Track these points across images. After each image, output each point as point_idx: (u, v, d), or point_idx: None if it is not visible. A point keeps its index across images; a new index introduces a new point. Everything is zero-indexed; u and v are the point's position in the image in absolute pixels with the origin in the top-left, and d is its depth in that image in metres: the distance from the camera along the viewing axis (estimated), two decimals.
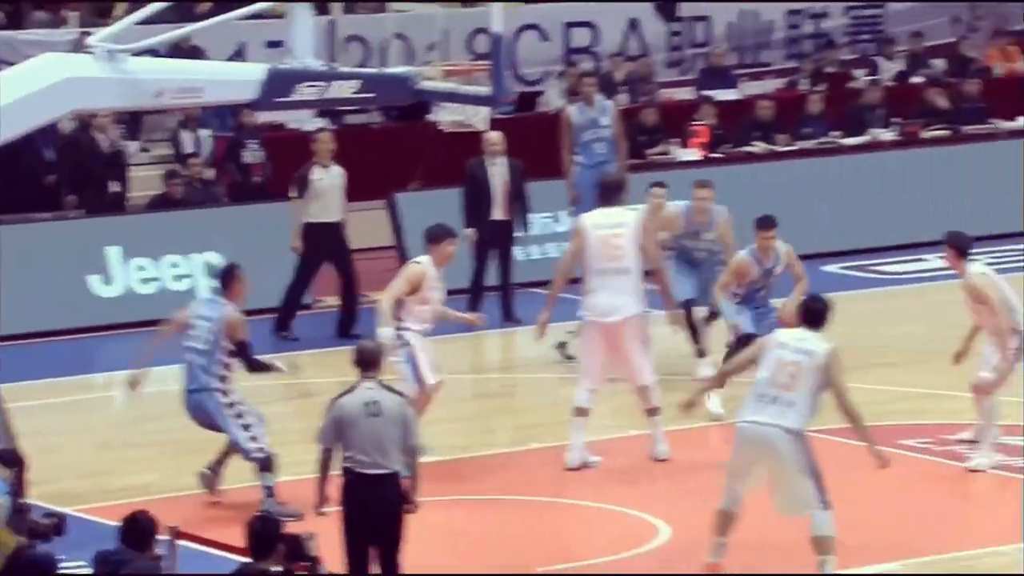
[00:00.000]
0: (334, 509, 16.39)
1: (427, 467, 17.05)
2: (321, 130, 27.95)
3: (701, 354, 24.73)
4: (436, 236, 21.49)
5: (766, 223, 23.71)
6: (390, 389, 16.63)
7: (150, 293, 28.18)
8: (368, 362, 16.55)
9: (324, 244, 25.74)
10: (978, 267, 21.40)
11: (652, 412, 21.47)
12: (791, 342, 18.21)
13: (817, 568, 17.57)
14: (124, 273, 27.91)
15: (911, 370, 24.42)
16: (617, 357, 21.55)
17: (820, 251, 29.83)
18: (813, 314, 18.03)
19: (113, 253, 27.92)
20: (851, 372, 18.48)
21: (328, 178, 26.60)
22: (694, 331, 24.82)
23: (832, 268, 29.95)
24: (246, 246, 27.66)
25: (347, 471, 16.20)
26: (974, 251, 21.64)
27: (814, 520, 17.61)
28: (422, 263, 21.29)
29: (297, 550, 14.91)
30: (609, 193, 22.52)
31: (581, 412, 21.32)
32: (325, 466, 16.44)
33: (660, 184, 24.81)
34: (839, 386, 17.72)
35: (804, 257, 27.31)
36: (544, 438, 22.34)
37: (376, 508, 16.10)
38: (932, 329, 23.01)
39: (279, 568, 14.40)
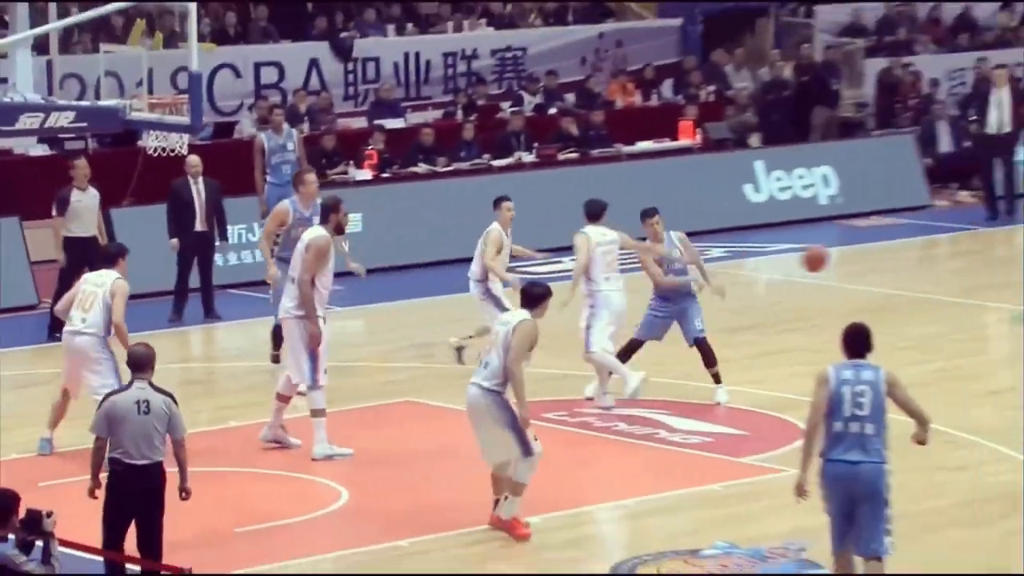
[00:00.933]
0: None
1: None
2: (78, 156, 27.47)
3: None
4: None
5: (649, 212, 23.15)
6: (158, 389, 16.09)
7: None
8: (140, 365, 16.05)
9: (84, 256, 25.29)
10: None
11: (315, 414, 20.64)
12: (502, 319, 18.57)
13: (500, 502, 17.70)
14: None
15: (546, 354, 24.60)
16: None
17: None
18: (530, 297, 18.03)
19: None
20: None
21: (85, 199, 26.23)
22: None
23: None
24: None
25: (115, 461, 15.70)
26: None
27: (516, 468, 17.66)
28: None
29: (34, 524, 14.73)
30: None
31: (281, 398, 21.05)
32: (99, 453, 15.96)
33: (506, 198, 24.04)
34: (515, 352, 17.60)
35: (444, 263, 27.83)
36: (240, 418, 22.23)
37: (143, 494, 15.63)
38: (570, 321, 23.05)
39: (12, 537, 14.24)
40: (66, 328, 20.69)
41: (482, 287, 23.30)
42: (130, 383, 16.03)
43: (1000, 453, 20.50)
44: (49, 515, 14.80)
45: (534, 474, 17.72)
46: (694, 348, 22.55)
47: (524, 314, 17.92)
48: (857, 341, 15.58)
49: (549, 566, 17.50)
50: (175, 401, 16.06)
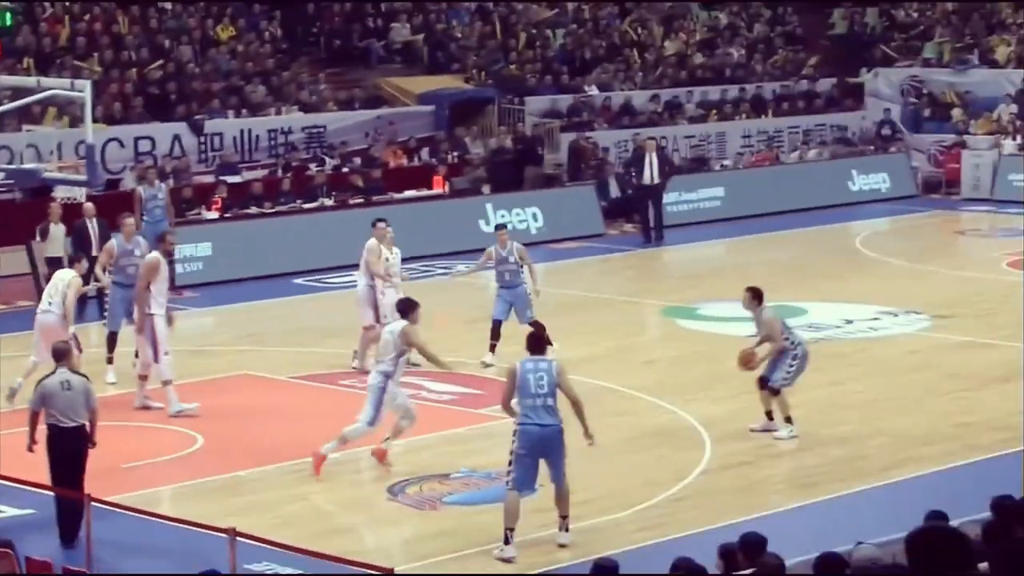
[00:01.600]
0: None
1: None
2: (51, 201, 26.97)
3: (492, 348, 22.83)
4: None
5: (499, 227, 24.33)
6: (76, 372, 16.05)
7: None
8: (60, 357, 15.99)
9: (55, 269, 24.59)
10: None
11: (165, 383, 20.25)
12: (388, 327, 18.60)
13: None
14: None
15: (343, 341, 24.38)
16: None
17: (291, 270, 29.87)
18: (403, 309, 17.98)
19: None
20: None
21: (56, 231, 26.14)
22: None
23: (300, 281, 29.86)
24: None
25: (51, 426, 15.60)
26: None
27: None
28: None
29: None
30: None
31: (141, 377, 20.63)
32: (34, 421, 15.82)
33: (383, 219, 23.21)
34: (418, 346, 17.78)
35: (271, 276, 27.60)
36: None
37: (71, 447, 15.61)
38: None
39: None
40: (38, 309, 20.72)
41: (368, 290, 22.53)
42: (55, 370, 15.95)
43: (654, 403, 20.81)
44: None
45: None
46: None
47: (403, 323, 17.78)
48: (535, 343, 15.72)
49: (342, 486, 17.57)
50: (89, 380, 16.04)
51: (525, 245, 24.16)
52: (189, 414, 20.19)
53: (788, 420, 19.13)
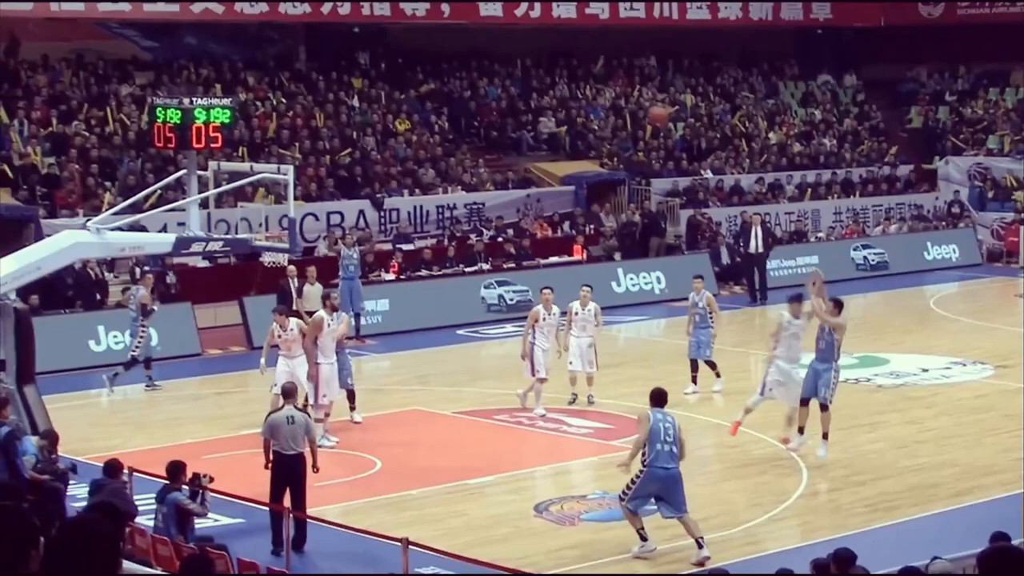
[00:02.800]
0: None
1: None
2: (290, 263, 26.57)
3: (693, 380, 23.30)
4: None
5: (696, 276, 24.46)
6: (300, 409, 16.23)
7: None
8: (287, 395, 16.15)
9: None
10: None
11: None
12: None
13: None
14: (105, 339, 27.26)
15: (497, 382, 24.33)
16: None
17: (454, 323, 29.87)
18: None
19: (100, 329, 27.29)
20: None
21: (311, 291, 25.74)
22: None
23: None
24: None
25: (276, 453, 15.75)
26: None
27: None
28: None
29: (195, 481, 14.75)
30: None
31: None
32: (267, 446, 15.80)
33: (548, 287, 22.85)
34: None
35: (438, 328, 27.34)
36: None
37: (294, 471, 15.73)
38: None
39: None
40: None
41: (530, 346, 21.97)
42: (282, 406, 16.10)
43: (759, 437, 20.53)
44: (206, 476, 14.84)
45: None
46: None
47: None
48: (660, 398, 15.59)
49: (496, 504, 17.56)
50: (309, 416, 16.17)
51: (649, 304, 24.07)
52: (328, 447, 19.71)
53: (825, 436, 18.86)
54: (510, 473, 18.40)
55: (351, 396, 21.35)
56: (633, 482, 15.20)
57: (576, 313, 22.69)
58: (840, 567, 10.37)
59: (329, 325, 20.34)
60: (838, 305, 19.18)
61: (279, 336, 20.84)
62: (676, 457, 15.16)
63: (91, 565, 4.63)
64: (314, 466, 15.94)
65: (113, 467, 14.79)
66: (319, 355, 20.17)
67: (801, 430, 18.96)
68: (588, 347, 22.52)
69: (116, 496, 13.73)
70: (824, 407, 18.87)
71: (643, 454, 15.18)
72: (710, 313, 23.35)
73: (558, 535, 16.31)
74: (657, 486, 15.15)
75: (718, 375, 23.34)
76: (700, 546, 15.15)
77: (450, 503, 17.55)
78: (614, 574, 14.73)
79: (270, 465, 15.83)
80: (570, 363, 22.42)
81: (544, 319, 22.24)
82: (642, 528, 15.24)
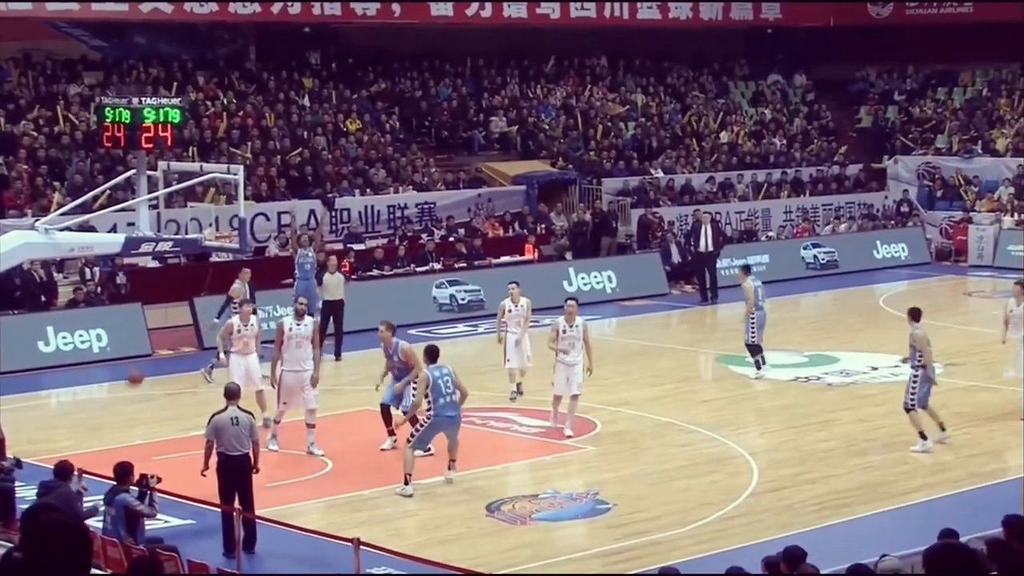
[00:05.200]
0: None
1: None
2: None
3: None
4: None
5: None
6: (243, 410, 16.04)
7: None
8: (230, 396, 16.03)
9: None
10: None
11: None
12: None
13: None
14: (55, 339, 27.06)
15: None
16: None
17: (407, 322, 29.79)
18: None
19: (49, 330, 27.09)
20: None
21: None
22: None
23: None
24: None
25: (221, 455, 15.69)
26: None
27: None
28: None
29: (143, 482, 14.67)
30: None
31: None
32: (208, 450, 15.85)
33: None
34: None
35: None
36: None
37: (242, 474, 15.68)
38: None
39: None
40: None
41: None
42: (226, 407, 15.98)
43: (709, 436, 20.68)
44: (154, 476, 14.76)
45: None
46: None
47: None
48: (433, 354, 18.01)
49: (447, 504, 17.54)
50: (253, 416, 16.12)
51: (600, 303, 24.10)
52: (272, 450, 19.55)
53: (922, 435, 19.46)
54: (461, 473, 18.34)
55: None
56: (419, 429, 17.80)
57: (509, 311, 22.90)
58: (790, 565, 10.40)
59: (292, 329, 19.78)
60: (913, 315, 19.98)
61: (238, 331, 20.73)
62: (458, 405, 17.75)
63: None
64: (255, 467, 15.86)
65: (63, 470, 14.66)
66: (284, 363, 19.64)
67: (922, 434, 19.61)
68: (517, 344, 22.64)
69: (62, 500, 13.60)
70: (910, 409, 19.74)
71: (429, 405, 17.56)
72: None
73: (510, 535, 16.29)
74: (442, 431, 17.85)
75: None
76: (453, 469, 18.01)
77: (401, 503, 17.50)
78: (566, 573, 14.74)
79: (207, 471, 15.78)
80: (508, 360, 22.57)
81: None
82: (411, 474, 17.45)
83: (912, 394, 19.52)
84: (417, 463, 18.04)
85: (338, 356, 26.95)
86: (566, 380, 20.64)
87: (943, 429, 19.73)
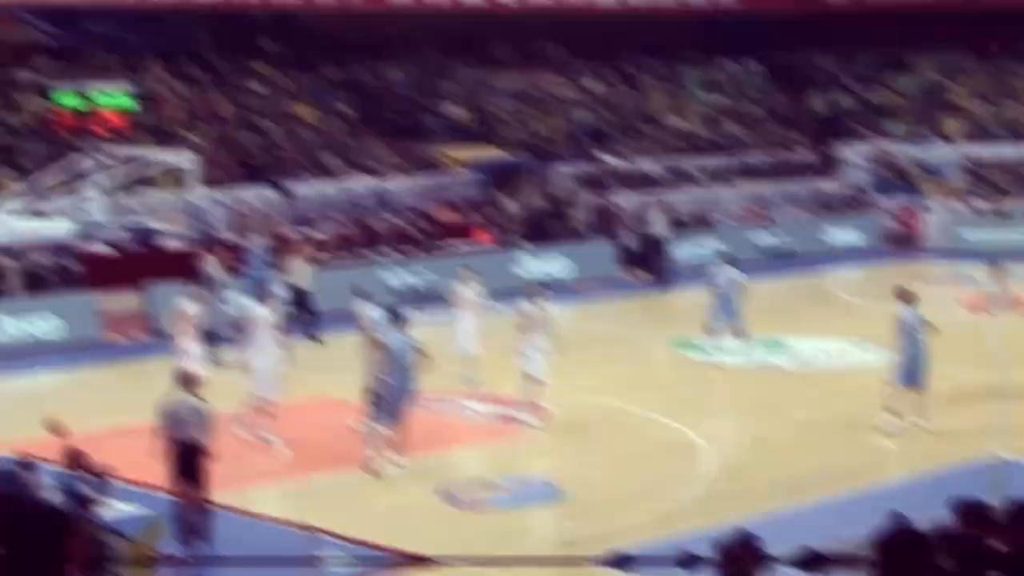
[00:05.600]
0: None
1: None
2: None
3: None
4: None
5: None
6: (197, 396, 15.62)
7: None
8: (183, 382, 15.82)
9: None
10: None
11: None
12: None
13: None
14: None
15: None
16: None
17: None
18: None
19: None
20: None
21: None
22: None
23: None
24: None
25: (172, 441, 15.20)
26: None
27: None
28: None
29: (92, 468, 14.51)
30: None
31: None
32: (161, 435, 15.39)
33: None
34: None
35: (346, 311, 27.15)
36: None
37: (193, 460, 15.33)
38: None
39: None
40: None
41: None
42: (178, 393, 15.67)
43: (664, 422, 20.67)
44: (104, 464, 14.58)
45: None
46: None
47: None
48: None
49: (396, 490, 17.54)
50: (205, 402, 15.75)
51: (555, 289, 24.00)
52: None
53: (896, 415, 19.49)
54: (417, 459, 18.33)
55: None
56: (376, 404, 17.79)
57: (462, 296, 22.87)
58: (744, 550, 10.42)
59: (259, 316, 19.81)
60: (901, 296, 20.03)
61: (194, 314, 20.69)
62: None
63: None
64: (210, 454, 15.74)
65: (27, 462, 14.47)
66: (253, 350, 19.58)
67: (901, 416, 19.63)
68: (468, 330, 22.58)
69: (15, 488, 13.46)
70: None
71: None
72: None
73: (465, 521, 16.29)
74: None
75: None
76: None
77: (357, 490, 17.47)
78: (522, 555, 14.73)
79: (166, 454, 15.58)
80: (460, 346, 22.42)
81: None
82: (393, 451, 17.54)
83: (902, 372, 19.44)
84: (360, 452, 18.06)
85: (313, 338, 26.83)
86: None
87: (901, 419, 19.71)
